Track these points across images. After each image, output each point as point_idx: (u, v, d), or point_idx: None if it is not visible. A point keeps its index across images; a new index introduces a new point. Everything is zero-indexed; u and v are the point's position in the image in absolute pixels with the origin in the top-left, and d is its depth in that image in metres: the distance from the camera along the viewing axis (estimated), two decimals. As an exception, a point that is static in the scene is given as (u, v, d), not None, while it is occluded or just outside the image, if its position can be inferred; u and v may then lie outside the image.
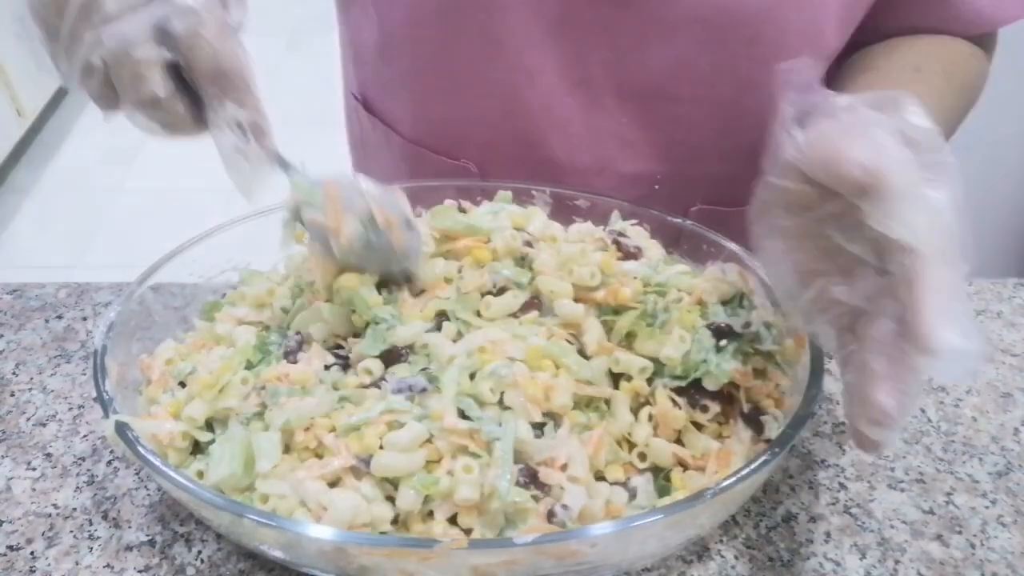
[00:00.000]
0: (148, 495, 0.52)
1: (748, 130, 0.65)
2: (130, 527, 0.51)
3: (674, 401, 0.48)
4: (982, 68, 0.65)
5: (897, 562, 0.50)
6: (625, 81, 0.63)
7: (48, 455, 0.55)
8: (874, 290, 0.39)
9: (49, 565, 0.48)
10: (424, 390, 0.46)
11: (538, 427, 0.45)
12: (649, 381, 0.49)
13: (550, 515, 0.43)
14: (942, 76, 0.61)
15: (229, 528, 0.44)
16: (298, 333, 0.51)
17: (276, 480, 0.43)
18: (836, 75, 0.66)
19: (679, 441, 0.48)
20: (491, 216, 0.57)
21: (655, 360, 0.49)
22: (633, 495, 0.46)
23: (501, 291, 0.52)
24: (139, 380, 0.51)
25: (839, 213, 0.40)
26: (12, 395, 0.60)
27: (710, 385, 0.48)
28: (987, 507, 0.53)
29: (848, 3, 0.61)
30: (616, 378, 0.49)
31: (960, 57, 0.64)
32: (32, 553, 0.49)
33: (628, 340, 0.50)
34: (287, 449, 0.45)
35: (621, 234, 0.58)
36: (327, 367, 0.49)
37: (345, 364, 0.49)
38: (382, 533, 0.43)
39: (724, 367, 0.48)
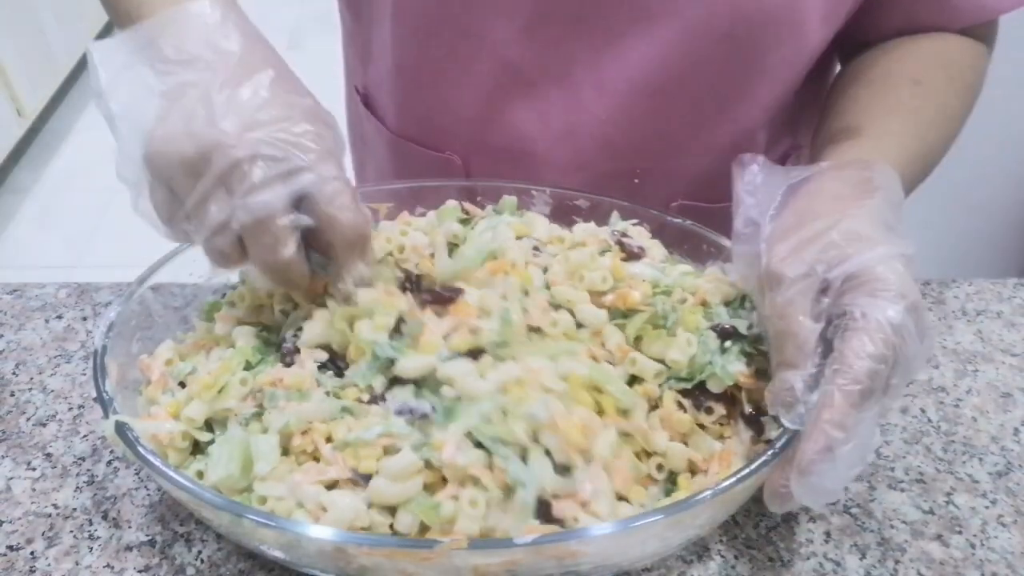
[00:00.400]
0: (148, 495, 0.52)
1: (728, 125, 0.66)
2: (130, 527, 0.51)
3: (679, 403, 0.48)
4: (982, 67, 0.65)
5: (897, 562, 0.50)
6: (604, 76, 0.63)
7: (48, 455, 0.55)
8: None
9: (49, 565, 0.48)
10: (425, 416, 0.44)
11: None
12: None
13: None
14: (944, 84, 0.61)
15: (229, 528, 0.44)
16: (295, 335, 0.51)
17: (274, 482, 0.43)
18: (836, 85, 0.66)
19: (683, 443, 0.48)
20: (491, 233, 0.56)
21: (660, 361, 0.48)
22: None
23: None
24: (139, 380, 0.51)
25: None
26: (12, 395, 0.60)
27: (715, 387, 0.48)
28: (987, 507, 0.53)
29: None
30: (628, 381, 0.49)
31: (959, 58, 0.64)
32: (32, 553, 0.49)
33: (636, 343, 0.50)
34: (285, 452, 0.45)
35: (624, 234, 0.58)
36: (320, 366, 0.48)
37: (338, 370, 0.49)
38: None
39: (729, 369, 0.48)
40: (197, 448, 0.47)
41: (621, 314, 0.51)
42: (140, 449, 0.43)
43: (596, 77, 0.63)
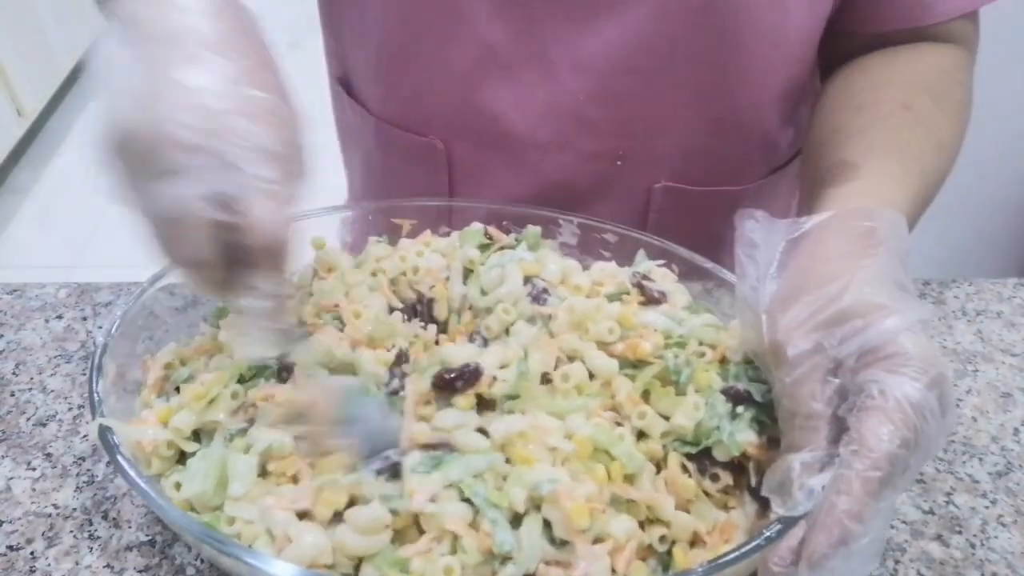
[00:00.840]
0: (148, 495, 0.52)
1: (710, 105, 0.65)
2: (130, 527, 0.51)
3: (684, 467, 0.45)
4: (966, 77, 0.64)
5: (897, 562, 0.50)
6: (580, 55, 0.62)
7: (48, 455, 0.55)
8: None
9: (49, 565, 0.48)
10: (395, 472, 0.43)
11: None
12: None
13: None
14: (933, 108, 0.59)
15: (195, 545, 0.43)
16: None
17: (246, 504, 0.42)
18: (821, 110, 0.64)
19: (685, 509, 0.45)
20: (499, 269, 0.55)
21: (667, 419, 0.46)
22: None
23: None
24: (139, 381, 0.51)
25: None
26: (12, 395, 0.60)
27: (720, 456, 0.45)
28: (987, 507, 0.53)
29: None
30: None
31: (944, 74, 0.62)
32: (32, 553, 0.49)
33: (644, 397, 0.47)
34: (264, 472, 0.44)
35: (646, 277, 0.55)
36: None
37: None
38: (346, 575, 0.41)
39: (737, 438, 0.44)
40: (185, 456, 0.47)
41: (631, 364, 0.49)
42: (118, 456, 0.42)
43: (573, 56, 0.62)
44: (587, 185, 0.69)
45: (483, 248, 0.58)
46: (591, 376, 0.48)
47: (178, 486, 0.44)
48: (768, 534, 0.39)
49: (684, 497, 0.44)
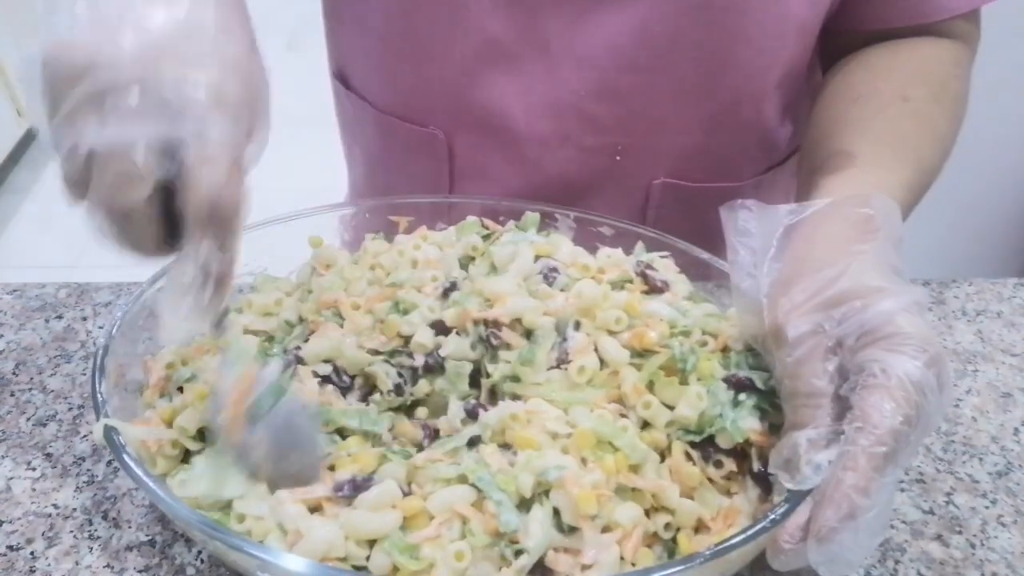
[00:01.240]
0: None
1: (710, 100, 0.65)
2: (130, 527, 0.51)
3: (688, 455, 0.45)
4: (964, 72, 0.65)
5: (897, 562, 0.50)
6: (581, 48, 0.62)
7: (48, 455, 0.55)
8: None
9: (49, 565, 0.48)
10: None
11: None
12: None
13: None
14: (931, 101, 0.60)
15: (203, 543, 0.43)
16: (297, 348, 0.50)
17: (255, 500, 0.43)
18: (820, 100, 0.65)
19: (689, 497, 0.45)
20: (512, 246, 0.55)
21: (671, 408, 0.46)
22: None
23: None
24: (139, 381, 0.51)
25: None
26: (12, 395, 0.60)
27: (724, 443, 0.46)
28: (987, 507, 0.53)
29: None
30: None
31: (943, 68, 0.63)
32: (32, 553, 0.49)
33: (648, 387, 0.48)
34: None
35: (649, 266, 0.56)
36: (320, 380, 0.48)
37: (342, 384, 0.49)
38: (356, 568, 0.41)
39: (740, 425, 0.45)
40: (189, 455, 0.47)
41: (637, 353, 0.49)
42: (124, 456, 0.43)
43: (574, 50, 0.63)
44: (586, 180, 0.69)
45: (484, 239, 0.59)
46: (601, 365, 0.49)
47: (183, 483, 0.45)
48: (772, 517, 0.40)
49: (688, 485, 0.45)
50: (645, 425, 0.46)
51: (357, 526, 0.41)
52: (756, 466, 0.45)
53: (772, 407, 0.46)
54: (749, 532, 0.39)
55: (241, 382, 0.44)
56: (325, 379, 0.49)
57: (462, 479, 0.42)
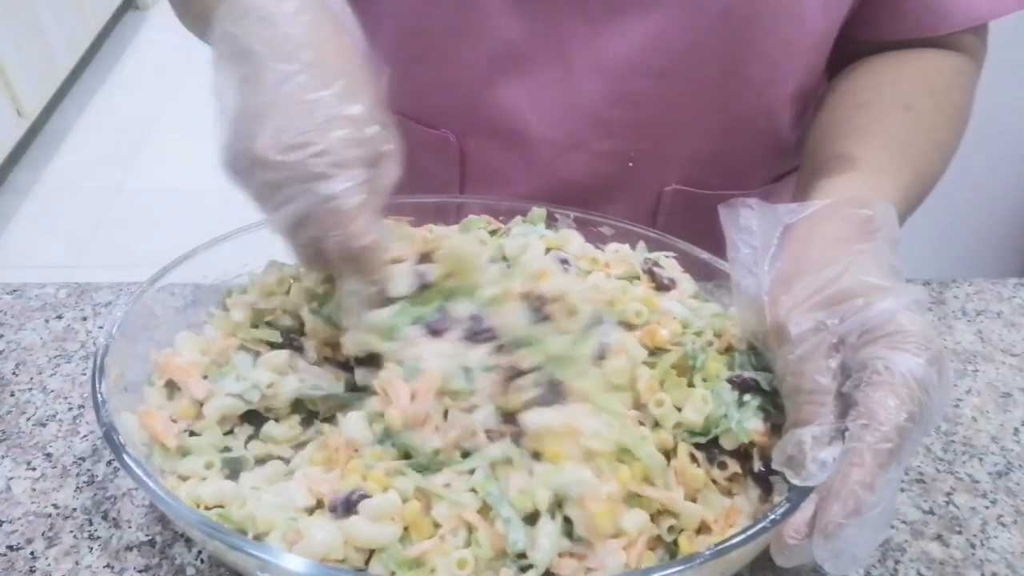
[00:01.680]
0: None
1: (724, 109, 0.66)
2: (130, 527, 0.51)
3: (692, 456, 0.45)
4: (969, 85, 0.65)
5: (897, 562, 0.50)
6: (598, 54, 0.62)
7: (48, 455, 0.55)
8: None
9: (49, 565, 0.48)
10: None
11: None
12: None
13: None
14: (933, 111, 0.60)
15: (204, 543, 0.43)
16: (291, 334, 0.51)
17: (253, 500, 0.43)
18: (823, 104, 0.65)
19: (692, 498, 0.45)
20: (523, 238, 0.55)
21: (678, 408, 0.46)
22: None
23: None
24: (139, 380, 0.51)
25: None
26: (12, 395, 0.60)
27: (728, 444, 0.46)
28: (987, 507, 0.53)
29: None
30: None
31: (947, 80, 0.63)
32: (32, 553, 0.49)
33: (659, 385, 0.47)
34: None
35: (656, 263, 0.56)
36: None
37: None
38: (356, 569, 0.41)
39: (746, 426, 0.45)
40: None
41: (649, 351, 0.49)
42: (124, 456, 0.42)
43: (590, 55, 0.63)
44: (598, 186, 0.69)
45: (490, 235, 0.59)
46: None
47: (184, 479, 0.45)
48: (772, 517, 0.40)
49: (693, 487, 0.45)
50: (654, 425, 0.46)
51: (356, 534, 0.40)
52: (757, 466, 0.45)
53: (775, 408, 0.46)
54: (749, 532, 0.39)
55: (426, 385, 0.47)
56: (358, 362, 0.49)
57: (472, 491, 0.42)
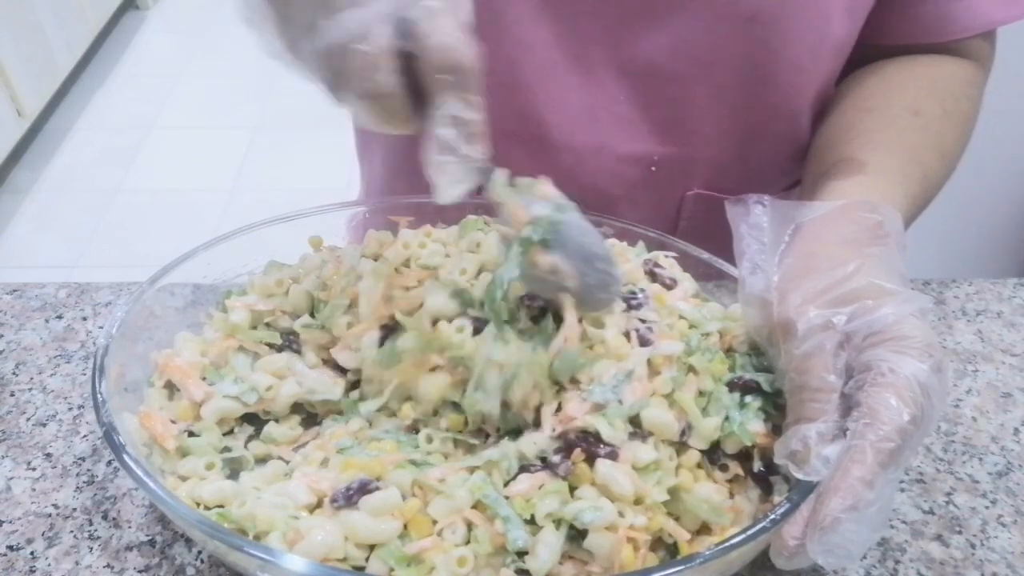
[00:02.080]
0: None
1: (748, 114, 0.65)
2: (130, 527, 0.51)
3: (699, 464, 0.46)
4: (977, 93, 0.65)
5: (897, 562, 0.50)
6: (622, 58, 0.62)
7: (48, 455, 0.55)
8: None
9: (49, 565, 0.48)
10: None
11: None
12: None
13: None
14: (941, 117, 0.61)
15: (204, 543, 0.43)
16: (290, 335, 0.51)
17: (253, 499, 0.43)
18: (832, 107, 0.65)
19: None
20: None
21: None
22: None
23: None
24: (139, 380, 0.51)
25: None
26: (12, 395, 0.60)
27: (731, 448, 0.46)
28: (987, 507, 0.53)
29: None
30: None
31: (956, 86, 0.63)
32: (32, 553, 0.49)
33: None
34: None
35: (657, 264, 0.56)
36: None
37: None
38: (356, 568, 0.41)
39: (748, 428, 0.45)
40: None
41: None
42: (124, 456, 0.43)
43: (614, 59, 0.62)
44: (621, 191, 0.68)
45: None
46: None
47: (183, 479, 0.45)
48: (772, 517, 0.40)
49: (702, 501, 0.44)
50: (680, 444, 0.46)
51: (356, 530, 0.40)
52: (758, 466, 0.46)
53: (775, 409, 0.46)
54: (749, 532, 0.39)
55: (516, 211, 0.45)
56: None
57: (469, 492, 0.42)
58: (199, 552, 0.49)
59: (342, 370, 0.50)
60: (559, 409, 0.44)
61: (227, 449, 0.47)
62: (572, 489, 0.42)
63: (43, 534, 0.50)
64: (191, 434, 0.47)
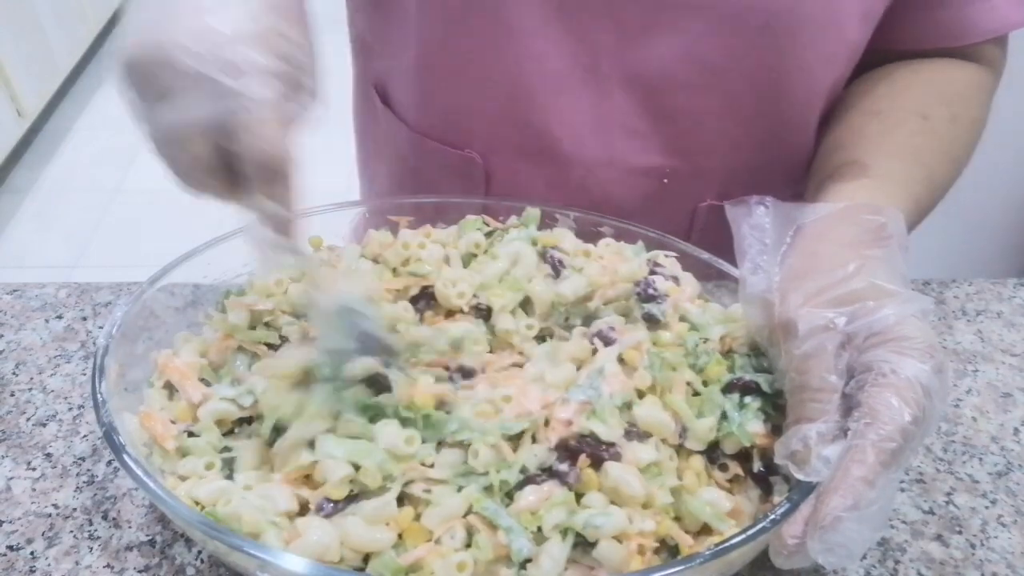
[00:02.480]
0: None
1: (762, 124, 0.65)
2: (130, 527, 0.51)
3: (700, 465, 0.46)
4: (986, 98, 0.65)
5: (897, 562, 0.50)
6: (633, 69, 0.61)
7: (48, 455, 0.55)
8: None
9: (49, 565, 0.48)
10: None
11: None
12: None
13: None
14: (949, 121, 0.60)
15: (204, 543, 0.43)
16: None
17: (251, 497, 0.43)
18: (838, 110, 0.65)
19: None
20: (520, 243, 0.56)
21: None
22: None
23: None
24: (139, 381, 0.51)
25: None
26: (12, 395, 0.60)
27: (730, 448, 0.46)
28: (987, 507, 0.53)
29: None
30: None
31: (965, 91, 0.63)
32: (32, 553, 0.49)
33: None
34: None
35: (657, 264, 0.56)
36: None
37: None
38: (354, 569, 0.41)
39: (747, 429, 0.45)
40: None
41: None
42: (124, 456, 0.42)
43: (625, 69, 0.61)
44: (633, 203, 0.68)
45: (487, 236, 0.59)
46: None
47: (183, 479, 0.45)
48: (772, 517, 0.40)
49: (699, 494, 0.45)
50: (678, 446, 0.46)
51: (351, 536, 0.40)
52: (757, 467, 0.46)
53: (774, 409, 0.46)
54: (749, 532, 0.40)
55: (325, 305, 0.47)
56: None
57: (467, 504, 0.41)
58: (199, 552, 0.49)
59: None
60: (547, 423, 0.44)
61: (227, 449, 0.47)
62: (578, 497, 0.42)
63: (43, 534, 0.50)
64: (191, 434, 0.47)
